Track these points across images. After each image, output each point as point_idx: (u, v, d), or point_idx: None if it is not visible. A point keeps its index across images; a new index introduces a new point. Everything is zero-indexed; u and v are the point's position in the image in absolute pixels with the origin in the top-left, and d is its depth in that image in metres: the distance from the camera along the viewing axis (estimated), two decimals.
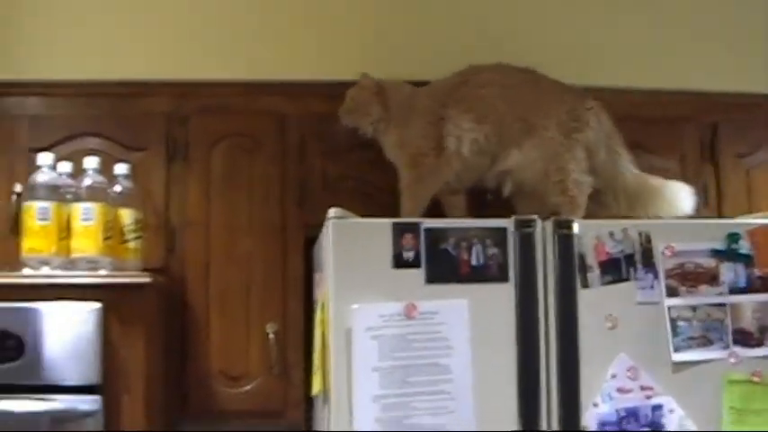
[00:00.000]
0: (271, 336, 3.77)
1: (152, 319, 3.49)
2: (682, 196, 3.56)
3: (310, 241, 3.76)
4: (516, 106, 3.58)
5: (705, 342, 3.23)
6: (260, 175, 3.90)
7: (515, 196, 3.64)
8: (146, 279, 3.41)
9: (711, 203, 4.03)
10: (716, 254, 3.28)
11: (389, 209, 3.57)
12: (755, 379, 3.22)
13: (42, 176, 3.51)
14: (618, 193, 3.60)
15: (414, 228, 3.18)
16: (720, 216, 3.98)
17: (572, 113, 3.58)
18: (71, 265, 3.47)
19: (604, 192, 3.60)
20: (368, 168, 3.82)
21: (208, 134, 3.90)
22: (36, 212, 3.46)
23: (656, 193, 3.58)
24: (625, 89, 4.03)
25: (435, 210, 3.63)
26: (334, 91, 3.74)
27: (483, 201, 3.72)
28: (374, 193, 3.82)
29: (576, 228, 3.24)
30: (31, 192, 3.50)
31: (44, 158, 3.55)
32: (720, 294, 3.25)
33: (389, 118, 3.67)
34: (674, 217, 3.50)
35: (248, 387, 3.80)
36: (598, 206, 3.56)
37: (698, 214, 3.64)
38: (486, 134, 3.55)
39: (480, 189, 3.69)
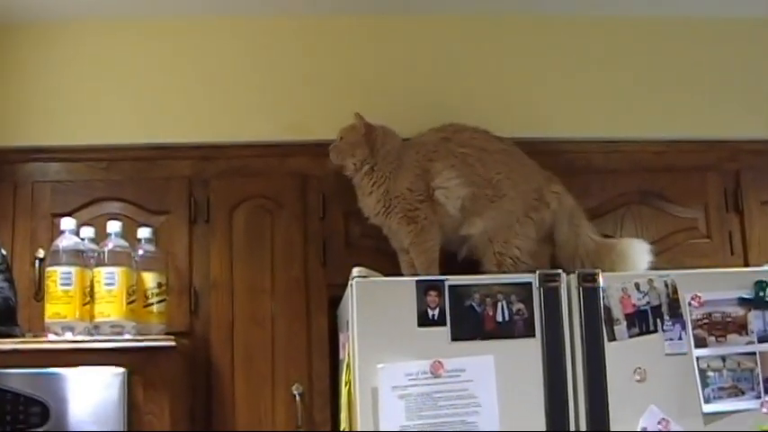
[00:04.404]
0: (296, 396, 3.75)
1: (177, 382, 3.47)
2: (637, 251, 3.55)
3: (334, 300, 3.75)
4: (491, 172, 3.60)
5: (736, 392, 3.20)
6: (282, 235, 3.90)
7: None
8: (170, 342, 3.39)
9: (737, 252, 4.00)
10: (743, 302, 3.25)
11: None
12: None
13: (65, 242, 3.50)
14: (582, 259, 3.59)
15: (438, 285, 3.18)
16: (746, 264, 3.94)
17: (537, 192, 3.61)
18: (95, 330, 3.46)
19: (570, 260, 3.58)
20: None
21: (229, 196, 3.91)
22: (59, 278, 3.44)
23: (611, 250, 3.56)
24: (648, 140, 4.03)
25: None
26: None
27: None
28: (395, 251, 3.78)
29: (601, 280, 3.22)
30: (54, 257, 3.48)
31: (67, 223, 3.54)
32: (749, 343, 3.23)
33: (375, 163, 3.67)
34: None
35: None
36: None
37: (724, 263, 3.63)
38: (467, 195, 3.57)
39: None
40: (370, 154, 3.66)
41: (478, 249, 3.60)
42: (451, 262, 3.64)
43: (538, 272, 3.23)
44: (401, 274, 3.58)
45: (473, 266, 3.60)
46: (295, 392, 3.75)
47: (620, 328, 3.20)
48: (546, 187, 3.63)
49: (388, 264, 3.60)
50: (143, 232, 3.64)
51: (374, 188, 3.65)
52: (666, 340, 3.21)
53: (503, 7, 4.00)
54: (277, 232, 3.90)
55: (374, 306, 3.16)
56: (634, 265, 3.49)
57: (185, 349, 3.59)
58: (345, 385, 3.28)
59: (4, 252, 3.60)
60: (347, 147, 3.70)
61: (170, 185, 3.92)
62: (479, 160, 3.60)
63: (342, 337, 3.53)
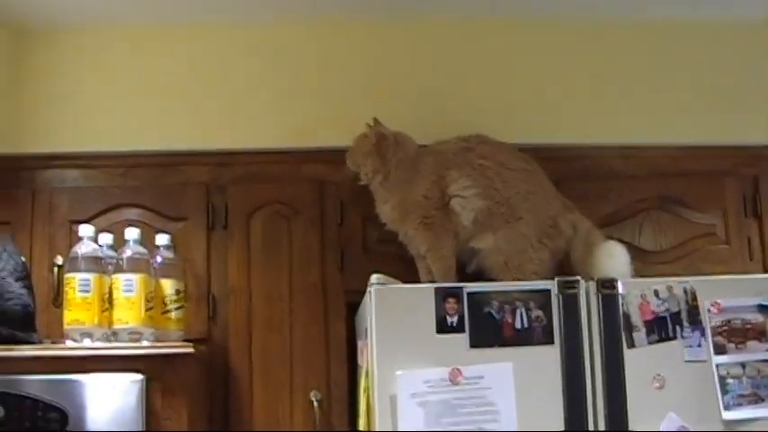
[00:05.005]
0: (314, 403, 3.74)
1: (195, 388, 3.47)
2: (611, 254, 3.54)
3: (351, 306, 3.75)
4: (509, 190, 3.59)
5: (756, 399, 3.19)
6: (299, 241, 3.90)
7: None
8: (188, 349, 3.39)
9: (756, 257, 3.98)
10: (763, 309, 3.24)
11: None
12: None
13: (84, 248, 3.50)
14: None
15: (457, 292, 3.18)
16: (766, 270, 3.93)
17: (553, 220, 3.60)
18: (113, 336, 3.46)
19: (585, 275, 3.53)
20: None
21: (247, 202, 3.91)
22: (78, 284, 3.45)
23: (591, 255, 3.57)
24: (666, 145, 4.01)
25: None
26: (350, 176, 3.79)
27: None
28: (413, 257, 3.78)
29: (620, 287, 3.22)
30: (73, 264, 3.49)
31: (85, 230, 3.55)
32: None
33: (387, 172, 3.67)
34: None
35: None
36: None
37: (743, 269, 3.62)
38: (482, 208, 3.55)
39: None
40: (381, 163, 3.66)
41: (489, 266, 3.57)
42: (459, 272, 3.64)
43: (556, 279, 3.22)
44: (419, 281, 3.57)
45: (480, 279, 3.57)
46: (313, 399, 3.75)
47: (639, 334, 3.19)
48: (562, 215, 3.61)
49: (405, 270, 3.60)
50: (161, 239, 3.64)
51: (389, 196, 3.66)
52: (686, 347, 3.20)
53: (519, 12, 3.99)
54: (294, 238, 3.90)
55: (393, 313, 3.16)
56: (611, 269, 3.46)
57: (203, 356, 3.59)
58: (364, 392, 3.27)
59: (23, 258, 3.60)
60: (359, 156, 3.71)
61: (187, 192, 3.92)
62: (499, 175, 3.59)
63: (360, 344, 3.53)
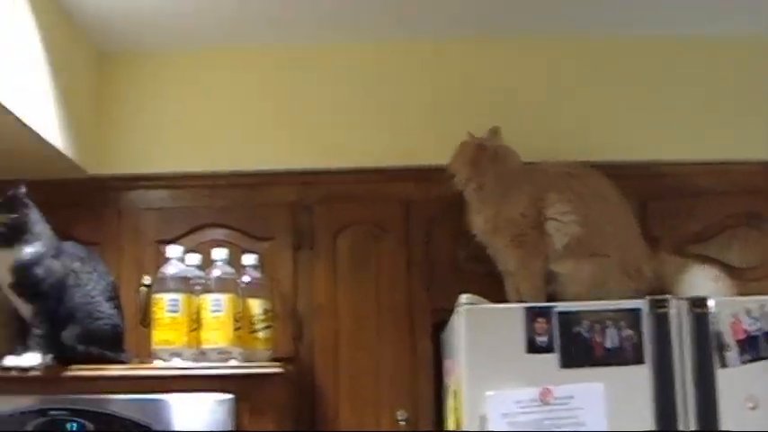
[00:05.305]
0: (402, 423, 3.74)
1: (283, 408, 3.47)
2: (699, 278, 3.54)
3: (438, 325, 3.74)
4: (603, 224, 3.55)
5: None
6: (386, 260, 3.90)
7: None
8: (277, 369, 3.41)
9: None
10: None
11: None
12: None
13: (172, 269, 3.54)
14: None
15: (546, 312, 3.16)
16: None
17: (637, 264, 3.54)
18: (202, 356, 3.48)
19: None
20: None
21: (333, 222, 3.93)
22: (166, 304, 3.48)
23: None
24: (754, 161, 3.96)
25: None
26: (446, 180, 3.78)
27: None
28: (499, 275, 3.75)
29: (711, 306, 3.18)
30: (161, 284, 3.52)
31: (173, 251, 3.58)
32: None
33: (482, 183, 3.64)
34: None
35: None
36: None
37: None
38: (576, 235, 3.51)
39: None
40: (475, 173, 3.64)
41: (564, 292, 3.51)
42: None
43: (647, 298, 3.19)
44: (506, 300, 3.55)
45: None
46: (400, 418, 3.74)
47: (732, 354, 3.14)
48: (646, 263, 3.56)
49: (492, 289, 3.55)
50: (248, 259, 3.66)
51: (483, 207, 3.63)
52: None
53: (610, 29, 3.97)
54: (381, 257, 3.90)
55: (482, 333, 3.15)
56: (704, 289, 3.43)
57: (291, 375, 3.59)
58: (452, 412, 3.27)
59: (112, 279, 3.64)
60: (457, 162, 3.69)
61: (274, 212, 3.94)
62: (597, 207, 3.56)
63: (448, 364, 3.52)
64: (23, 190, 3.43)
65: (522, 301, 3.41)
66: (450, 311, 3.39)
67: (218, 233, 3.94)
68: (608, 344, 3.14)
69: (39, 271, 3.42)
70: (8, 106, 3.28)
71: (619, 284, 3.47)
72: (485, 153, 3.65)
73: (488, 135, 3.69)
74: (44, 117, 3.57)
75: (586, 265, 3.49)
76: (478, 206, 3.65)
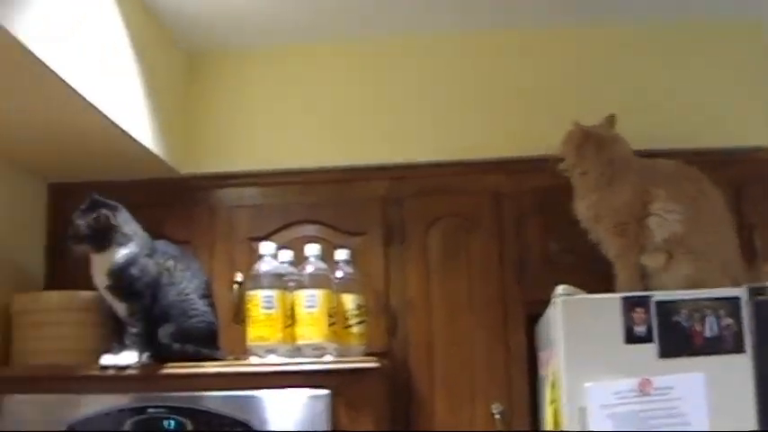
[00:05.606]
0: (497, 416, 3.72)
1: (379, 403, 3.47)
2: None
3: (530, 317, 3.73)
4: (708, 231, 3.49)
5: None
6: (478, 253, 3.89)
7: None
8: (373, 364, 3.41)
9: None
10: None
11: (609, 281, 3.53)
12: None
13: (266, 265, 3.55)
14: None
15: (644, 301, 3.12)
16: None
17: (732, 273, 3.44)
18: (297, 352, 3.48)
19: None
20: (588, 242, 3.67)
21: (424, 215, 3.92)
22: (261, 301, 3.49)
23: None
24: None
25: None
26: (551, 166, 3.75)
27: None
28: (593, 266, 3.71)
29: None
30: (256, 281, 3.53)
31: (267, 247, 3.59)
32: None
33: (586, 170, 3.61)
34: None
35: None
36: None
37: None
38: (677, 233, 3.45)
39: None
40: (579, 160, 3.61)
41: (651, 287, 3.44)
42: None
43: (747, 286, 3.14)
44: (601, 291, 3.51)
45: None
46: (495, 411, 3.73)
47: None
48: (742, 276, 3.45)
49: (584, 280, 3.48)
50: (341, 254, 3.66)
51: (586, 193, 3.61)
52: None
53: (714, 14, 3.91)
54: (473, 251, 3.89)
55: (580, 324, 3.12)
56: None
57: (386, 370, 3.59)
58: (550, 403, 3.24)
59: (205, 277, 3.66)
60: (564, 148, 3.67)
61: (365, 206, 3.95)
62: (706, 213, 3.50)
63: (543, 355, 3.50)
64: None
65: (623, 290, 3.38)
66: (541, 303, 3.38)
67: (310, 229, 3.95)
68: (707, 333, 3.09)
69: (134, 271, 3.46)
70: (100, 107, 3.33)
71: (721, 279, 3.39)
72: (590, 140, 3.62)
73: (603, 122, 3.67)
74: (135, 118, 3.61)
75: (683, 264, 3.43)
76: (582, 192, 3.62)
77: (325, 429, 3.29)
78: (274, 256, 3.59)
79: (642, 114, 3.86)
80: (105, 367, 3.43)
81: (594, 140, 3.62)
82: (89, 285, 3.54)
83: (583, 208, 3.61)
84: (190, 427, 3.33)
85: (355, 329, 3.61)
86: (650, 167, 3.60)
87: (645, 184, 3.53)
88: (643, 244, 3.50)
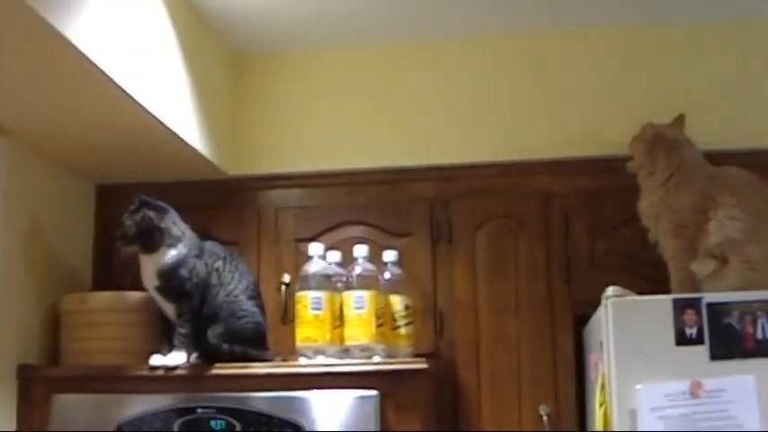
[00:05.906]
0: (544, 417, 3.71)
1: (427, 404, 3.47)
2: None
3: (578, 319, 3.72)
4: (761, 228, 3.43)
5: None
6: (525, 254, 3.87)
7: None
8: (421, 365, 3.41)
9: None
10: None
11: (656, 283, 3.48)
12: None
13: (314, 266, 3.56)
14: None
15: (695, 303, 3.10)
16: None
17: None
18: (345, 353, 3.49)
19: None
20: (635, 243, 3.69)
21: (471, 216, 3.91)
22: (310, 302, 3.50)
23: None
24: None
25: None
26: (599, 167, 3.77)
27: None
28: (640, 268, 3.71)
29: None
30: (304, 282, 3.54)
31: (315, 249, 3.60)
32: None
33: (653, 171, 3.59)
34: None
35: None
36: None
37: None
38: (732, 239, 3.39)
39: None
40: (647, 160, 3.59)
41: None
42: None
43: None
44: (648, 293, 3.49)
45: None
46: (542, 413, 3.72)
47: None
48: None
49: (633, 281, 3.48)
50: (389, 255, 3.67)
51: (649, 194, 3.58)
52: None
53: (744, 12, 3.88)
54: (520, 252, 3.87)
55: (630, 326, 3.11)
56: None
57: (434, 371, 3.58)
58: (600, 406, 3.22)
59: (253, 278, 3.67)
60: (633, 146, 3.65)
61: (412, 208, 3.95)
62: (755, 207, 3.43)
63: (593, 357, 3.48)
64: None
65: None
66: (589, 305, 3.37)
67: (356, 230, 3.95)
68: (759, 335, 3.07)
69: (183, 272, 3.48)
70: (148, 108, 3.35)
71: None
72: (659, 144, 3.59)
73: (673, 122, 3.66)
74: (183, 119, 3.63)
75: (732, 275, 3.39)
76: (646, 192, 3.60)
77: (374, 430, 3.31)
78: (323, 257, 3.60)
79: (699, 116, 3.80)
80: (154, 368, 3.47)
81: (666, 143, 3.59)
82: (136, 287, 3.59)
83: (645, 206, 3.60)
84: (238, 427, 3.35)
85: (403, 330, 3.62)
86: (719, 174, 3.55)
87: (712, 190, 3.48)
88: (697, 249, 3.47)
